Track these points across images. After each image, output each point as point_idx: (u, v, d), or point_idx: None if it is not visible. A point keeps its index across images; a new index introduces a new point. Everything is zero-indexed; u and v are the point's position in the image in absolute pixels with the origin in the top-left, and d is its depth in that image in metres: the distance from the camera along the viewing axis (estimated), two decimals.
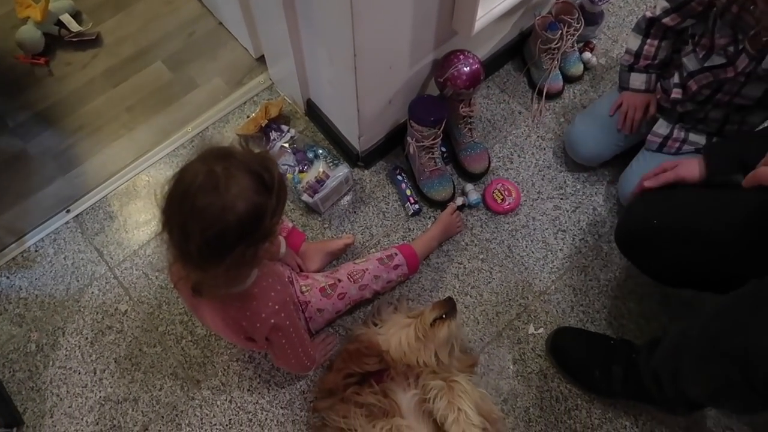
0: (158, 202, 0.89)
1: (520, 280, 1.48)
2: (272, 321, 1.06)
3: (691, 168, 1.21)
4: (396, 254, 1.40)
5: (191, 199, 0.85)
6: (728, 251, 1.07)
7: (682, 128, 1.39)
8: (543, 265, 1.50)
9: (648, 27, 1.35)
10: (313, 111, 1.65)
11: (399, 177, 1.58)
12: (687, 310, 1.42)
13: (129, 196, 1.61)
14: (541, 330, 1.42)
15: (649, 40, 1.36)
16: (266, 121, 1.61)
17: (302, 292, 1.31)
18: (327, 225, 1.55)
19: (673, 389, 1.11)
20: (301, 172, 1.54)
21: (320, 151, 1.57)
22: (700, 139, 1.38)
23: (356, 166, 1.62)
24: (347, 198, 1.59)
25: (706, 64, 1.26)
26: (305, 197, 1.51)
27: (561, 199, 1.58)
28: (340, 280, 1.34)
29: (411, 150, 1.52)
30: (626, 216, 1.25)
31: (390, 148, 1.63)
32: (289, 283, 1.26)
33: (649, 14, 1.34)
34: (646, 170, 1.43)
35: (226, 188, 0.85)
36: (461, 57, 1.41)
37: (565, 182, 1.60)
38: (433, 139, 1.47)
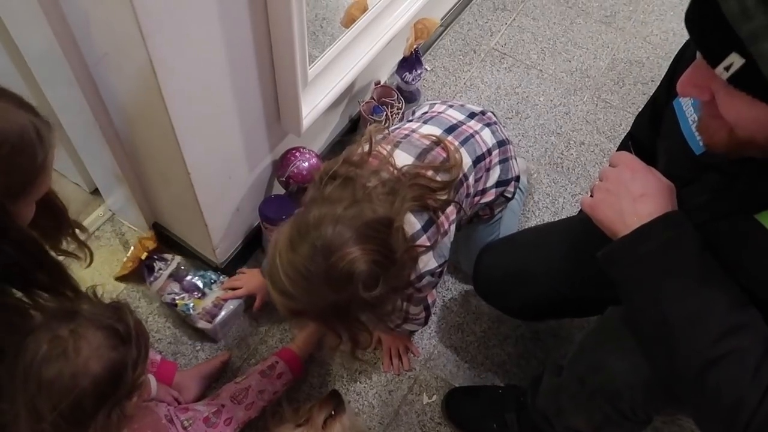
0: None
1: None
2: None
3: None
4: (277, 362, 1.36)
5: (36, 373, 0.77)
6: (563, 282, 1.17)
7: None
8: (422, 332, 1.53)
9: None
10: (161, 233, 1.60)
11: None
12: (555, 340, 1.52)
13: None
14: (435, 397, 1.44)
15: None
16: (146, 254, 1.53)
17: (185, 428, 1.22)
18: (199, 347, 1.48)
19: (561, 426, 1.17)
20: (197, 298, 1.47)
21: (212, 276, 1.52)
22: None
23: None
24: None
25: None
26: (202, 324, 1.44)
27: None
28: (223, 405, 1.27)
29: None
30: (475, 269, 1.33)
31: (250, 251, 1.62)
32: (166, 426, 1.17)
33: None
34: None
35: (76, 351, 0.79)
36: (297, 154, 1.45)
37: None
38: None
